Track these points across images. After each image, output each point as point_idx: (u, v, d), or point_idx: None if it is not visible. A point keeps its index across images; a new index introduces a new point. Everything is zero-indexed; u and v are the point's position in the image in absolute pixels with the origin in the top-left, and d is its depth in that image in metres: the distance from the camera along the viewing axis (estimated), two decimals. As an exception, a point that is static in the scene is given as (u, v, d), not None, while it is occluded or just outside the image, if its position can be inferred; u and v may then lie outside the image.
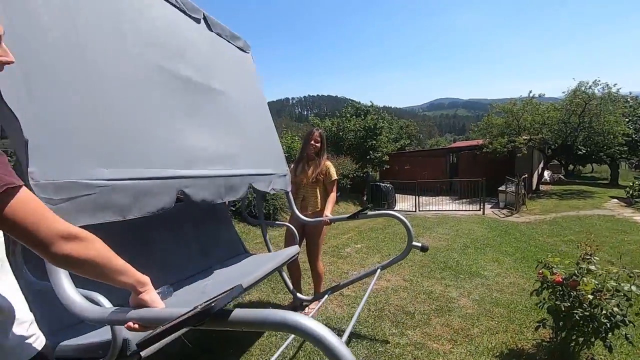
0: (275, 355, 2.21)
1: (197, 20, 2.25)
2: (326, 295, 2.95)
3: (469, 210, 11.58)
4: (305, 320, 0.74)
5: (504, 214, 10.83)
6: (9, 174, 0.70)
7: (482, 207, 11.21)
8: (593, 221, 8.85)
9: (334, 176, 3.12)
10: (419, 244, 2.60)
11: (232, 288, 0.81)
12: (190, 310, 0.76)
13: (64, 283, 1.05)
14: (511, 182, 12.10)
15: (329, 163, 3.16)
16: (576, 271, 2.20)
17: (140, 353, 1.18)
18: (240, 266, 2.48)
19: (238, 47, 2.74)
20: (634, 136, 16.38)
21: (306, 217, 2.96)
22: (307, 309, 2.94)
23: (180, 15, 2.10)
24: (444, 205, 12.94)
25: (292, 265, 3.10)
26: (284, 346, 2.32)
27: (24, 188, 0.73)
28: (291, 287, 3.16)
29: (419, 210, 12.15)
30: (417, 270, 4.38)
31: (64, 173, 1.13)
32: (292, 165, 3.22)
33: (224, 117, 2.23)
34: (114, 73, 1.52)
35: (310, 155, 3.11)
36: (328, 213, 2.97)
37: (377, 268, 2.80)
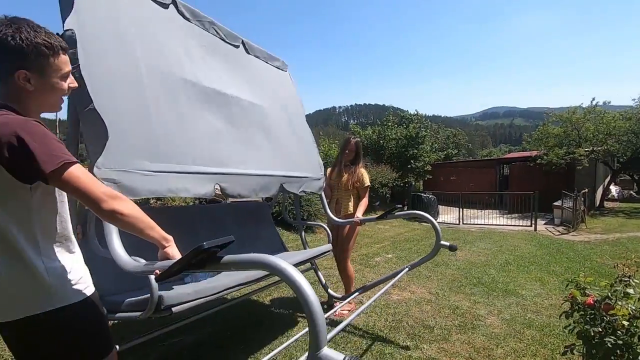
0: (279, 348, 2.28)
1: (236, 46, 2.66)
2: (355, 293, 3.11)
3: (519, 226, 10.77)
4: (278, 261, 0.92)
5: (558, 231, 9.95)
6: (67, 153, 0.99)
7: (533, 222, 10.40)
8: (666, 244, 7.82)
9: (367, 183, 3.28)
10: (447, 244, 2.66)
11: (213, 245, 1.00)
12: (189, 252, 0.98)
13: (115, 244, 1.38)
14: (569, 197, 11.09)
15: (363, 170, 3.32)
16: (610, 293, 1.97)
17: (172, 309, 1.53)
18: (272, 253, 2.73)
19: (275, 67, 3.13)
20: None
21: (339, 219, 3.13)
22: (338, 310, 2.99)
23: (220, 42, 2.50)
24: (491, 219, 12.18)
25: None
26: (288, 342, 2.34)
27: (78, 164, 1.01)
28: (324, 281, 3.37)
29: (463, 224, 11.55)
30: (445, 284, 4.18)
31: (116, 163, 1.48)
32: (329, 170, 3.44)
33: (260, 126, 2.52)
34: (166, 92, 1.88)
35: (346, 161, 3.32)
36: (359, 214, 3.15)
37: (406, 267, 2.88)
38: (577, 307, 2.12)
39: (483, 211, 13.10)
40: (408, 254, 6.01)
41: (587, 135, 13.81)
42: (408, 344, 2.67)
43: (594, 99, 14.64)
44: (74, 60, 1.32)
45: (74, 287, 1.11)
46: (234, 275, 1.91)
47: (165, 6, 2.12)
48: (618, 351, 1.88)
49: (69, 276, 1.11)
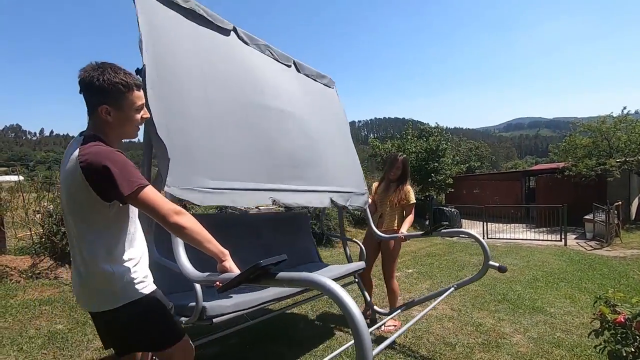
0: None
1: (288, 66, 2.84)
2: (399, 311, 3.13)
3: (548, 240, 10.32)
4: (327, 281, 1.01)
5: (591, 246, 9.46)
6: (141, 178, 1.21)
7: (563, 237, 9.95)
8: None
9: (413, 200, 3.32)
10: (496, 264, 2.61)
11: (270, 263, 1.12)
12: (249, 269, 1.11)
13: (181, 255, 1.54)
14: (601, 210, 10.57)
15: (409, 187, 3.36)
16: (641, 311, 1.87)
17: (213, 320, 1.70)
18: (305, 268, 2.88)
19: (323, 84, 3.30)
20: None
21: (382, 234, 3.17)
22: (384, 326, 3.06)
23: (275, 63, 2.69)
24: (517, 233, 11.73)
25: (364, 279, 3.33)
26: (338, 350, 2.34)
27: (149, 186, 1.22)
28: (368, 298, 3.33)
29: (487, 238, 11.19)
30: (468, 301, 4.05)
31: (183, 182, 1.67)
32: (375, 185, 3.54)
33: (310, 142, 2.66)
34: (226, 114, 2.05)
35: (393, 178, 3.34)
36: (404, 230, 3.16)
37: (452, 286, 2.85)
38: (607, 326, 2.02)
39: (508, 225, 12.65)
40: (430, 269, 5.87)
41: (619, 145, 13.22)
42: (428, 361, 2.60)
43: (625, 108, 14.08)
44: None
45: (136, 287, 1.33)
46: (272, 290, 2.00)
47: (227, 33, 2.32)
48: (653, 373, 1.78)
49: (132, 279, 1.32)
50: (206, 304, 1.68)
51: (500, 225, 12.42)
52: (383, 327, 3.05)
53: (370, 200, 3.28)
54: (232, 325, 2.28)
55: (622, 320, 1.93)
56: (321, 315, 3.63)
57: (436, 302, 2.78)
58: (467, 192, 18.26)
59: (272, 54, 2.68)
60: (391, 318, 3.10)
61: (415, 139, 15.69)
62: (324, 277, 1.03)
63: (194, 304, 1.68)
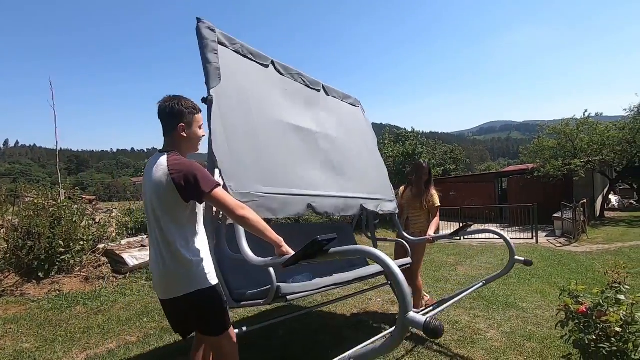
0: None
1: (318, 90, 3.21)
2: (430, 308, 3.29)
3: (520, 239, 10.72)
4: (372, 249, 1.32)
5: (560, 242, 9.90)
6: (215, 180, 1.60)
7: (534, 235, 10.37)
8: (668, 252, 7.76)
9: (437, 203, 3.55)
10: (522, 259, 2.79)
11: (325, 238, 1.39)
12: (307, 245, 1.41)
13: (244, 245, 1.88)
14: (568, 208, 11.10)
15: (434, 191, 3.58)
16: (601, 300, 1.99)
17: (287, 297, 1.98)
18: (353, 267, 3.13)
19: (349, 104, 3.66)
20: None
21: (409, 235, 3.41)
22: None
23: (306, 88, 3.06)
24: (445, 239, 12.10)
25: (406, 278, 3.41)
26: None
27: (220, 186, 1.60)
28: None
29: (464, 238, 11.49)
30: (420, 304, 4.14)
31: (242, 187, 2.00)
32: (401, 188, 3.77)
33: (341, 155, 3.01)
34: (271, 132, 2.44)
35: (419, 183, 3.56)
36: (431, 232, 3.39)
37: (481, 282, 3.03)
38: (571, 316, 2.13)
39: (484, 225, 13.05)
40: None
41: (582, 146, 13.95)
42: (407, 360, 2.65)
43: (586, 111, 14.88)
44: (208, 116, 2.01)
45: (208, 276, 1.64)
46: (333, 277, 2.40)
47: (266, 66, 2.71)
48: (613, 358, 1.88)
49: (205, 269, 1.64)
50: (280, 284, 1.95)
51: (476, 225, 12.74)
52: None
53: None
54: (279, 316, 2.63)
55: (584, 310, 2.05)
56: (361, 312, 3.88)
57: (464, 294, 3.05)
58: (443, 194, 18.64)
59: (304, 81, 3.06)
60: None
61: (392, 143, 15.97)
62: (368, 247, 1.32)
63: (268, 287, 1.94)
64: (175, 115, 1.65)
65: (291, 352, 2.92)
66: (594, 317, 2.00)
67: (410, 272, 3.43)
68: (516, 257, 2.74)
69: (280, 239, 1.67)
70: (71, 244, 4.76)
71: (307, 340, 3.18)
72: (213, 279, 1.66)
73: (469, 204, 15.41)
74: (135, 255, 5.18)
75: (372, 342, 2.44)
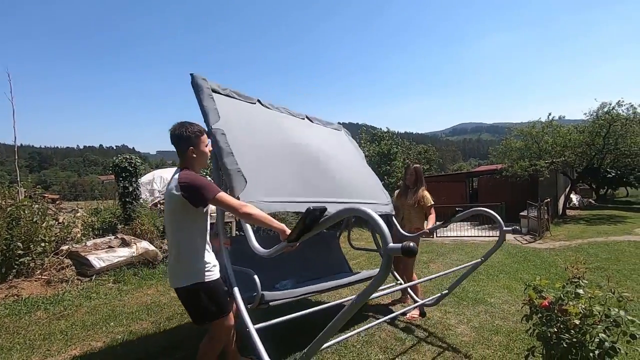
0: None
1: (302, 118, 3.77)
2: (433, 300, 3.50)
3: (489, 237, 11.12)
4: (362, 207, 1.50)
5: (526, 240, 10.35)
6: (216, 187, 1.94)
7: (500, 233, 10.78)
8: (622, 247, 8.30)
9: (430, 202, 3.83)
10: (510, 228, 3.05)
11: (318, 208, 1.63)
12: (302, 215, 1.66)
13: (253, 239, 2.22)
14: (533, 207, 11.63)
15: (425, 192, 3.84)
16: (562, 295, 2.09)
17: (270, 303, 2.31)
18: (338, 276, 3.40)
19: (332, 128, 4.20)
20: (667, 158, 15.47)
21: (406, 233, 3.64)
22: (408, 314, 3.53)
23: (292, 117, 3.61)
24: (463, 231, 12.51)
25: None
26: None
27: (222, 191, 1.94)
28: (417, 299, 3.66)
29: (437, 236, 11.81)
30: (418, 296, 4.23)
31: (249, 197, 2.34)
32: (396, 192, 4.09)
33: (335, 169, 3.37)
34: (270, 150, 2.88)
35: (409, 184, 3.88)
36: (428, 227, 3.66)
37: (481, 259, 3.21)
38: (535, 310, 2.23)
39: (455, 224, 13.46)
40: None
41: (546, 148, 14.65)
42: (380, 357, 2.68)
43: (550, 114, 15.63)
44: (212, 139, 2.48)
45: (208, 272, 1.99)
46: (314, 286, 2.73)
47: (254, 103, 3.26)
48: (573, 349, 1.98)
49: (207, 265, 1.99)
50: (264, 292, 2.30)
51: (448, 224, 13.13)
52: (408, 314, 3.51)
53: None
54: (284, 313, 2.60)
55: (547, 304, 2.14)
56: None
57: (464, 267, 3.29)
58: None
59: (288, 112, 3.61)
60: (416, 307, 3.44)
61: (368, 143, 16.15)
62: (361, 206, 1.51)
63: (255, 294, 2.27)
64: (185, 140, 2.02)
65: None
66: (555, 311, 2.10)
67: (407, 267, 3.79)
68: (505, 228, 2.99)
69: (283, 226, 1.96)
70: (31, 246, 4.50)
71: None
72: (213, 275, 2.01)
73: (441, 202, 15.80)
74: (102, 257, 4.96)
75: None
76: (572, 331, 1.98)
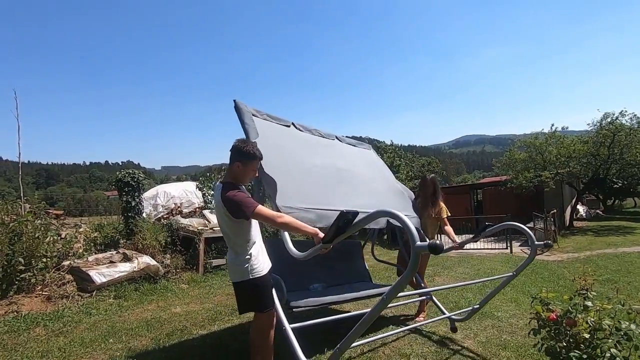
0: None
1: (333, 139, 4.08)
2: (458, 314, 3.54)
3: (495, 249, 10.95)
4: (394, 210, 1.61)
5: (533, 252, 10.18)
6: (255, 202, 2.15)
7: (508, 245, 10.62)
8: (632, 259, 8.12)
9: (446, 213, 3.93)
10: (542, 243, 3.04)
11: (350, 211, 1.76)
12: (336, 218, 1.80)
13: (290, 245, 2.46)
14: (539, 218, 11.47)
15: (442, 203, 3.93)
16: (570, 307, 2.03)
17: (293, 309, 2.62)
18: (358, 285, 3.61)
19: (362, 148, 4.53)
20: (674, 167, 15.28)
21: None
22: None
23: (322, 139, 3.91)
24: (468, 244, 12.34)
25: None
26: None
27: (260, 205, 2.15)
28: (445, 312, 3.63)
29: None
30: (394, 312, 4.14)
31: (286, 203, 2.53)
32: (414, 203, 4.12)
33: (365, 184, 3.66)
34: (302, 168, 3.16)
35: (427, 195, 3.95)
36: (457, 239, 3.74)
37: (512, 273, 3.23)
38: (542, 324, 2.16)
39: (460, 236, 13.20)
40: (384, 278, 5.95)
41: (551, 159, 14.54)
42: (384, 374, 2.59)
43: (553, 125, 15.58)
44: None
45: (256, 269, 2.26)
46: (333, 297, 2.97)
47: (288, 126, 3.54)
48: (584, 365, 1.90)
49: (254, 264, 2.26)
50: (290, 297, 2.66)
51: (443, 236, 12.97)
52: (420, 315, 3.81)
53: None
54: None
55: (555, 317, 2.08)
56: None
57: (498, 290, 3.30)
58: (421, 206, 18.93)
59: (320, 134, 3.92)
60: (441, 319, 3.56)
61: (371, 156, 16.17)
62: (387, 208, 1.63)
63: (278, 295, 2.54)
64: (238, 154, 2.25)
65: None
66: (563, 324, 2.04)
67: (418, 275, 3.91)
68: (536, 242, 2.99)
69: (317, 230, 2.12)
70: (33, 261, 4.49)
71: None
72: (260, 273, 2.26)
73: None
74: (103, 272, 4.93)
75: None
76: (581, 345, 1.91)
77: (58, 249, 5.12)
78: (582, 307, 2.01)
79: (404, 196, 4.08)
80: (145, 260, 5.46)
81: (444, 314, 3.50)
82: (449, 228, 3.88)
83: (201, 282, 5.97)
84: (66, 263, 5.04)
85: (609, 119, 14.00)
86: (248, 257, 2.22)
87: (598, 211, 22.15)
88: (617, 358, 1.79)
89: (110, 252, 5.58)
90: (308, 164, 3.25)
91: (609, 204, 26.89)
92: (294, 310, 2.57)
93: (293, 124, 3.60)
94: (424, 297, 3.81)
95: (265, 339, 2.30)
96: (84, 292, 4.78)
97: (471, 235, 3.67)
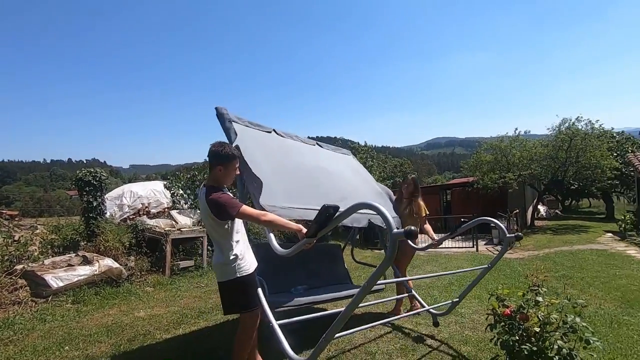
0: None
1: (313, 145, 4.25)
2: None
3: (463, 248, 11.34)
4: (373, 202, 1.62)
5: (497, 250, 10.61)
6: (239, 203, 2.22)
7: (474, 243, 11.03)
8: (586, 256, 8.65)
9: (425, 212, 4.15)
10: (513, 235, 3.16)
11: (332, 205, 1.80)
12: (318, 212, 1.84)
13: (274, 242, 2.39)
14: (503, 218, 11.99)
15: (421, 202, 4.14)
16: (522, 303, 2.13)
17: (275, 308, 2.63)
18: (338, 287, 3.67)
19: (342, 153, 4.74)
20: (623, 170, 16.46)
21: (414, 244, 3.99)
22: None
23: (302, 144, 4.02)
24: (445, 240, 12.68)
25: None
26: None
27: (244, 205, 2.22)
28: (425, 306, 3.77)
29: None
30: (389, 308, 4.22)
31: (270, 202, 2.57)
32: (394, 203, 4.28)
33: (344, 185, 3.72)
34: (285, 168, 3.24)
35: (407, 195, 4.15)
36: (436, 237, 3.95)
37: (488, 265, 3.36)
38: (498, 319, 2.25)
39: (435, 235, 13.62)
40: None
41: (514, 161, 15.24)
42: (349, 373, 2.62)
43: (517, 129, 16.35)
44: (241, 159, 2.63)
45: (242, 267, 2.33)
46: (312, 297, 3.11)
47: (269, 132, 3.65)
48: (534, 357, 2.01)
49: (240, 263, 2.33)
50: (271, 298, 2.69)
51: (422, 236, 13.32)
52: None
53: None
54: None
55: (509, 313, 2.18)
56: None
57: (475, 284, 3.44)
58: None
59: (300, 140, 4.07)
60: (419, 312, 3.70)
61: (345, 156, 16.29)
62: (371, 201, 1.66)
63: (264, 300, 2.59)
64: (218, 158, 2.29)
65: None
66: (517, 319, 2.14)
67: (401, 269, 4.11)
68: (508, 235, 3.14)
69: (300, 226, 2.18)
70: (-20, 266, 4.18)
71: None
72: (243, 273, 2.33)
73: (417, 215, 16.01)
74: (60, 276, 4.67)
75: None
76: (532, 339, 2.02)
77: (10, 252, 4.80)
78: (533, 303, 2.12)
79: (383, 196, 4.23)
80: (107, 263, 5.23)
81: (424, 307, 3.63)
82: (427, 226, 4.09)
83: (167, 284, 5.78)
84: (19, 267, 4.73)
85: (566, 124, 14.87)
86: (234, 257, 2.29)
87: (557, 211, 23.48)
88: (564, 349, 1.90)
89: (69, 255, 5.30)
90: (290, 165, 3.36)
91: (567, 204, 28.58)
92: (276, 310, 2.65)
93: (274, 130, 3.72)
94: (404, 295, 3.99)
95: (249, 339, 2.38)
96: (39, 297, 4.51)
97: (447, 234, 3.88)
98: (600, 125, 14.92)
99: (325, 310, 3.81)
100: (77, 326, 3.87)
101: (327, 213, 1.81)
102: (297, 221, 2.34)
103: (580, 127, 14.67)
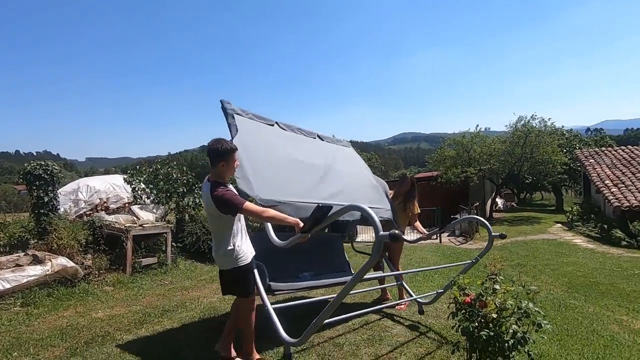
0: None
1: (314, 137, 4.38)
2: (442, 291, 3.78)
3: (427, 240, 11.78)
4: (361, 205, 1.89)
5: (459, 241, 11.12)
6: (243, 199, 2.42)
7: (438, 235, 11.47)
8: (538, 245, 9.28)
9: (417, 210, 4.34)
10: (498, 234, 3.40)
11: (325, 205, 2.15)
12: (313, 211, 2.18)
13: (272, 234, 2.83)
14: (465, 210, 12.56)
15: (415, 202, 4.30)
16: (482, 291, 2.24)
17: (275, 292, 3.04)
18: (339, 275, 3.92)
19: (341, 145, 4.84)
20: (571, 165, 17.76)
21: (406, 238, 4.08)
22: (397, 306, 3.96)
23: (304, 137, 4.20)
24: (403, 235, 13.06)
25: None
26: None
27: (247, 201, 2.41)
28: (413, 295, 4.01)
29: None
30: (357, 300, 4.30)
31: (266, 196, 2.76)
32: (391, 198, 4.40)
33: (340, 178, 3.87)
34: (283, 163, 3.41)
35: (403, 192, 4.28)
36: (425, 231, 4.27)
37: (476, 257, 3.52)
38: (459, 307, 2.35)
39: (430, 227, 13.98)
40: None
41: (475, 156, 16.00)
42: (318, 365, 2.64)
43: (477, 125, 17.14)
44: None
45: (242, 258, 2.52)
46: (311, 283, 3.42)
47: (272, 125, 3.78)
48: (492, 341, 2.12)
49: (240, 253, 2.51)
50: (271, 283, 2.94)
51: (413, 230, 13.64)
52: (397, 306, 3.96)
53: None
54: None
55: (469, 300, 2.28)
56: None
57: (464, 271, 3.55)
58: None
59: (302, 133, 4.18)
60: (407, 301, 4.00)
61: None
62: (357, 204, 1.85)
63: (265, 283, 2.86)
64: (218, 154, 2.44)
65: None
66: (477, 306, 2.24)
67: (393, 260, 4.35)
68: (493, 234, 3.37)
69: (297, 220, 2.39)
70: None
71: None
72: (245, 262, 2.52)
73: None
74: (7, 277, 4.32)
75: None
76: (490, 324, 2.13)
77: (-53, 253, 4.37)
78: (491, 290, 2.23)
79: (377, 189, 4.34)
80: (61, 262, 4.90)
81: (412, 296, 3.87)
82: (418, 223, 4.31)
83: (128, 283, 5.53)
84: (-42, 269, 4.32)
85: (522, 122, 15.78)
86: (232, 247, 2.47)
87: (513, 203, 24.94)
88: (518, 333, 2.02)
89: (17, 254, 4.91)
90: (290, 160, 3.51)
91: (522, 197, 30.45)
92: (275, 293, 2.93)
93: (277, 123, 3.84)
94: (400, 282, 4.23)
95: (248, 321, 2.58)
96: (-18, 301, 4.15)
97: (436, 228, 4.21)
98: (552, 124, 15.98)
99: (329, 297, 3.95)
100: (27, 330, 3.61)
101: (321, 212, 2.03)
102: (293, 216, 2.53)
103: (534, 125, 15.62)
